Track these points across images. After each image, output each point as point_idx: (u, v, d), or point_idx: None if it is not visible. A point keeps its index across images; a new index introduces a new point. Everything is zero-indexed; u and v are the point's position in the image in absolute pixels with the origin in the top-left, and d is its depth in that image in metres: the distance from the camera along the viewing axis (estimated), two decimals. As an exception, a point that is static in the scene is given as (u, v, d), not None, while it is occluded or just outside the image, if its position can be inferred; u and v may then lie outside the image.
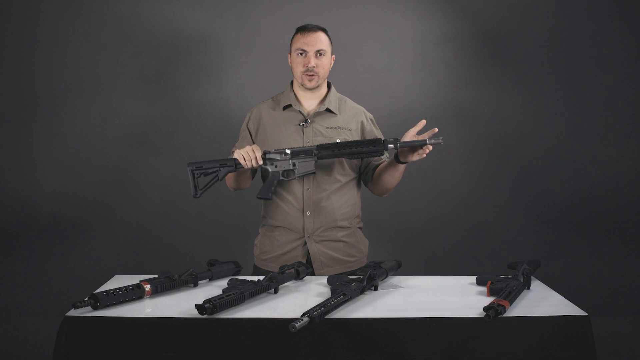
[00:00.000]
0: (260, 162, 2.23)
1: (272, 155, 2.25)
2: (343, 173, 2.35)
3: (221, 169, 2.24)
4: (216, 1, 3.70)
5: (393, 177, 2.32)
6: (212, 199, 3.78)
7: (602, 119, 3.81)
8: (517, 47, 3.79)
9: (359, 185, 2.44)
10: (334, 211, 2.32)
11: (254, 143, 2.39)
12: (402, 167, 2.27)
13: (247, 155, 2.21)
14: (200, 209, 3.76)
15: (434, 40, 3.79)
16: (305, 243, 2.33)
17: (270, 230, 2.39)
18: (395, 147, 2.19)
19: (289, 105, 2.37)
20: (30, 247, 3.69)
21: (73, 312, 1.72)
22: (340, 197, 2.34)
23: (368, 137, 2.39)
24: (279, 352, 1.69)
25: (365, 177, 2.43)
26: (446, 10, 3.77)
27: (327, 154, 2.22)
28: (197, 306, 1.68)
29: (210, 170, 2.25)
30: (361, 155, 2.23)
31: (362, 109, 2.45)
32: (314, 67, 2.28)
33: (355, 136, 2.37)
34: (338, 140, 2.30)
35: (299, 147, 2.25)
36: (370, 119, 2.44)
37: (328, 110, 2.36)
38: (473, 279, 2.11)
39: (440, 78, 3.80)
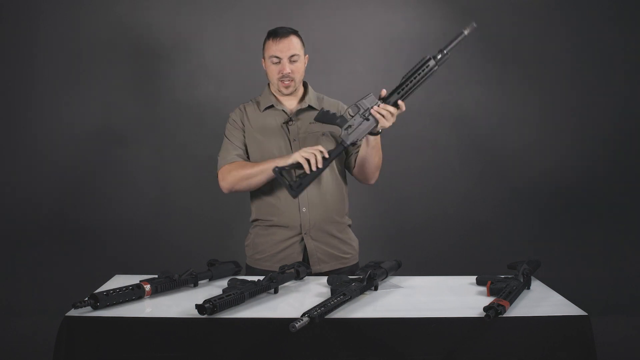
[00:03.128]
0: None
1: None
2: (333, 168, 2.38)
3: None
4: (216, 1, 3.70)
5: (372, 154, 2.29)
6: (212, 198, 3.79)
7: (602, 118, 3.82)
8: (517, 47, 3.79)
9: (345, 180, 2.47)
10: (329, 206, 2.36)
11: (245, 143, 2.39)
12: (375, 140, 2.24)
13: (314, 156, 2.12)
14: (200, 208, 3.76)
15: (434, 40, 3.79)
16: (302, 240, 2.34)
17: (263, 230, 2.40)
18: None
19: (271, 106, 2.40)
20: (30, 247, 3.69)
21: (73, 312, 1.72)
22: (333, 192, 2.38)
23: None
24: (279, 352, 1.69)
25: (349, 166, 2.43)
26: (446, 10, 3.77)
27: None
28: (197, 306, 1.68)
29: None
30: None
31: (339, 102, 2.49)
32: (289, 73, 2.30)
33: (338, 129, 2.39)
34: (323, 134, 2.35)
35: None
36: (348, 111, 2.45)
37: (310, 107, 2.39)
38: (473, 279, 2.11)
39: (440, 78, 3.80)
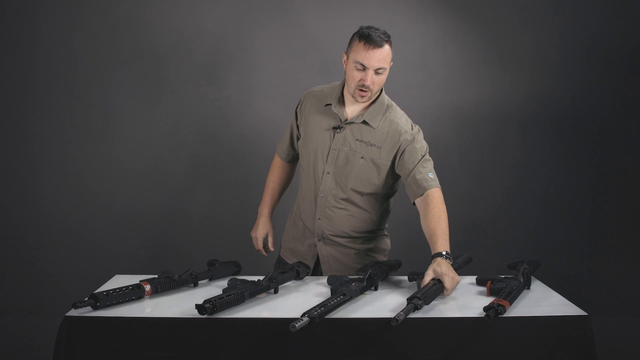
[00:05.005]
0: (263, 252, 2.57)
1: None
2: (359, 191, 2.27)
3: None
4: (216, 1, 3.70)
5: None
6: (212, 198, 3.80)
7: (602, 117, 3.82)
8: (517, 47, 3.78)
9: (385, 199, 2.35)
10: (343, 223, 2.30)
11: (298, 128, 2.41)
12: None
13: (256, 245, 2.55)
14: (200, 209, 3.76)
15: (434, 40, 3.79)
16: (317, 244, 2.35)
17: (295, 222, 2.47)
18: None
19: (330, 104, 2.28)
20: (30, 247, 3.69)
21: (73, 312, 1.72)
22: (354, 211, 2.30)
23: (403, 163, 2.20)
24: (279, 352, 1.69)
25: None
26: (446, 10, 3.77)
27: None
28: (197, 306, 1.68)
29: None
30: None
31: (405, 128, 2.24)
32: (370, 85, 2.13)
33: (385, 156, 2.23)
34: (362, 158, 2.22)
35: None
36: (413, 138, 2.22)
37: (365, 122, 2.23)
38: (473, 279, 2.11)
39: (440, 78, 3.80)
